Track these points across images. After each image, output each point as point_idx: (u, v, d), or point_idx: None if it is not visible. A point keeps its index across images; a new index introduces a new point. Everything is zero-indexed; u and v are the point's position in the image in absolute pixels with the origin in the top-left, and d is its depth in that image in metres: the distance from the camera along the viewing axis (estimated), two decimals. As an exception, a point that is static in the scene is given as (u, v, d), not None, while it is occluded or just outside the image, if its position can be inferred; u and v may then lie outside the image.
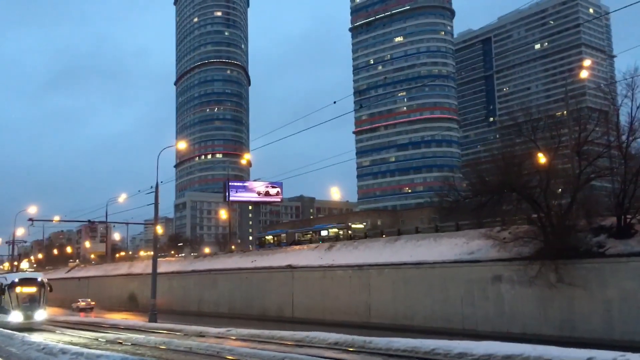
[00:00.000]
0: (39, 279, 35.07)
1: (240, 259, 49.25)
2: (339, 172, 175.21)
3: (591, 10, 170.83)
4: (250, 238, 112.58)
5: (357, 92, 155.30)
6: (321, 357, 18.51)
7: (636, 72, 25.91)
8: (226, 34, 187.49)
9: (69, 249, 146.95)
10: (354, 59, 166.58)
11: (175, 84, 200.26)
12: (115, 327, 36.28)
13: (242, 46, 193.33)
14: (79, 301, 58.71)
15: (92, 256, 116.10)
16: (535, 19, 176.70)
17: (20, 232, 76.47)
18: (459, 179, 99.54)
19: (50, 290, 35.63)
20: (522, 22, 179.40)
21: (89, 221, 55.19)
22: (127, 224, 69.88)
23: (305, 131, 38.49)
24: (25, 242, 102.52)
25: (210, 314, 44.83)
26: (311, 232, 52.96)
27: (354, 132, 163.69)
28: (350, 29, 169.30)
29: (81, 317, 47.49)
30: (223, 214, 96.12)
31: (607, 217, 25.60)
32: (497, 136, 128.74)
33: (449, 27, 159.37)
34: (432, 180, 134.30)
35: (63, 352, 18.46)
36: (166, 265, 55.30)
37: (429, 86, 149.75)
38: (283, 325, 30.71)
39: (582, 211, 25.94)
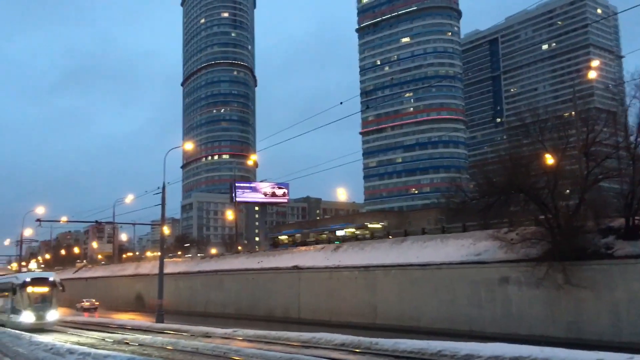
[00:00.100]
0: (51, 279, 34.64)
1: (247, 260, 49.30)
2: (346, 173, 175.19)
3: (599, 11, 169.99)
4: (257, 239, 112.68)
5: (364, 93, 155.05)
6: (327, 358, 18.49)
7: (644, 73, 25.78)
8: (233, 35, 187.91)
9: (76, 250, 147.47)
10: (360, 60, 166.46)
11: (182, 85, 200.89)
12: (122, 327, 36.39)
13: (249, 47, 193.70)
14: (83, 301, 58.97)
15: (100, 256, 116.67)
16: (542, 20, 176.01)
17: (28, 232, 77.15)
18: (465, 180, 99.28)
19: (63, 290, 35.20)
20: (529, 22, 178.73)
21: (96, 222, 55.42)
22: (134, 224, 70.18)
23: (312, 132, 38.47)
24: (37, 241, 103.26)
25: (216, 315, 44.90)
26: (327, 232, 52.44)
27: (360, 133, 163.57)
28: (357, 30, 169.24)
29: (85, 317, 47.67)
30: (229, 214, 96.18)
31: (615, 219, 25.47)
32: (505, 137, 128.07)
33: (455, 28, 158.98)
34: (439, 181, 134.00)
35: (70, 352, 18.54)
36: (173, 265, 55.45)
37: (435, 87, 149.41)
38: (289, 326, 30.73)
39: (590, 212, 25.82)
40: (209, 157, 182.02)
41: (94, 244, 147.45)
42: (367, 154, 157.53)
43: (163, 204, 40.66)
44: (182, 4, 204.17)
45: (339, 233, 49.75)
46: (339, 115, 36.46)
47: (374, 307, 34.07)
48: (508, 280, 27.35)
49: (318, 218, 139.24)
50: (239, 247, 77.27)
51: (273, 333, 25.82)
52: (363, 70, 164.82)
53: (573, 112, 32.32)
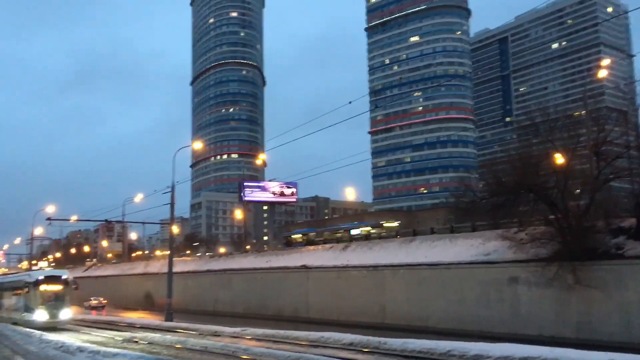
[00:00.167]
0: (64, 277, 34.42)
1: (255, 259, 49.39)
2: (354, 173, 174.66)
3: (610, 9, 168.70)
4: (265, 238, 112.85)
5: (373, 92, 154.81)
6: (336, 357, 18.50)
7: (656, 72, 25.57)
8: (242, 34, 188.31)
9: (86, 248, 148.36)
10: (369, 59, 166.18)
11: (191, 84, 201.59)
12: (131, 325, 36.56)
13: (258, 47, 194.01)
14: (91, 299, 59.30)
15: (109, 255, 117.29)
16: (552, 18, 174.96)
17: (38, 231, 77.67)
18: (475, 179, 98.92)
19: (76, 288, 35.09)
20: (539, 21, 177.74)
21: (106, 221, 55.67)
22: (143, 223, 70.34)
23: (321, 132, 38.34)
24: (50, 238, 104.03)
25: (225, 314, 45.02)
26: (342, 230, 52.10)
27: (369, 133, 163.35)
28: (366, 29, 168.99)
29: (93, 315, 47.91)
30: (238, 214, 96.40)
31: (626, 219, 25.30)
32: (514, 136, 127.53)
33: (465, 27, 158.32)
34: (448, 180, 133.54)
35: (80, 350, 18.68)
36: (182, 264, 55.66)
37: (444, 86, 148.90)
38: (298, 325, 30.76)
39: (601, 212, 25.66)
40: (218, 157, 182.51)
41: (104, 243, 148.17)
42: (375, 153, 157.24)
43: (172, 203, 40.82)
44: (191, 4, 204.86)
45: (355, 232, 49.39)
46: (348, 115, 36.39)
47: (383, 306, 34.03)
48: (517, 280, 27.22)
49: (326, 217, 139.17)
50: (248, 247, 77.40)
51: (281, 332, 25.87)
52: (372, 70, 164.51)
53: (583, 112, 32.12)
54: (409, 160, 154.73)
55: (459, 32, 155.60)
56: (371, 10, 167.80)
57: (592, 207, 25.49)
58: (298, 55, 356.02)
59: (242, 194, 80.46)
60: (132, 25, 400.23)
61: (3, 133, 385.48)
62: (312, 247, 46.08)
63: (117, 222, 67.76)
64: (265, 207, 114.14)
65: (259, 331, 27.34)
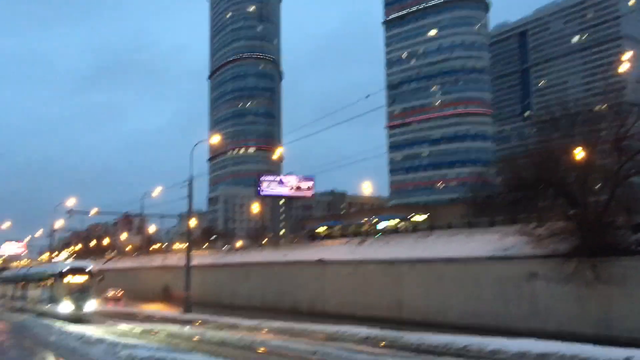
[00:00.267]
0: (89, 268, 34.46)
1: (272, 253, 49.63)
2: (371, 167, 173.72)
3: (631, 2, 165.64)
4: (282, 232, 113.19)
5: (390, 86, 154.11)
6: (352, 351, 18.55)
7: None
8: (259, 29, 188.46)
9: (106, 241, 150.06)
10: (387, 53, 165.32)
11: (209, 79, 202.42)
12: (150, 317, 36.98)
13: (275, 41, 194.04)
14: (108, 291, 59.99)
15: (128, 248, 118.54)
16: (573, 11, 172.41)
17: (59, 223, 78.79)
18: (492, 174, 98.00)
19: (102, 280, 35.15)
20: (559, 14, 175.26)
21: (125, 214, 56.19)
22: (161, 217, 71.23)
23: (337, 126, 38.28)
24: (74, 230, 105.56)
25: (242, 307, 45.30)
26: (368, 224, 51.48)
27: (386, 127, 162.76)
28: (384, 23, 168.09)
29: (110, 307, 48.44)
30: (255, 208, 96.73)
31: (647, 214, 24.95)
32: (533, 131, 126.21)
33: (484, 20, 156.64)
34: (466, 175, 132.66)
35: (100, 341, 18.99)
36: (200, 258, 56.07)
37: (463, 80, 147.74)
38: (314, 319, 30.86)
39: (621, 208, 25.33)
40: (235, 151, 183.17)
41: (123, 236, 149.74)
42: (393, 147, 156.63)
43: (190, 197, 41.16)
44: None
45: (381, 225, 48.95)
46: (365, 109, 36.22)
47: (399, 301, 33.99)
48: (536, 276, 27.00)
49: (343, 212, 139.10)
50: (265, 240, 77.71)
51: (298, 326, 26.01)
52: (389, 64, 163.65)
53: (604, 106, 31.68)
54: (426, 154, 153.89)
55: (478, 26, 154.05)
56: (389, 4, 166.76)
57: (613, 203, 25.16)
58: (315, 49, 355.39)
59: (259, 188, 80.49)
60: (152, 21, 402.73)
61: (27, 128, 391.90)
62: (328, 242, 46.22)
63: (136, 215, 68.51)
64: (282, 201, 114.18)
65: (276, 324, 27.51)
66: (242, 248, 69.31)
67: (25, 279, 40.72)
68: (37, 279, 37.54)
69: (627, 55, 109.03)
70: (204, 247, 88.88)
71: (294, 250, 47.37)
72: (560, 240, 25.52)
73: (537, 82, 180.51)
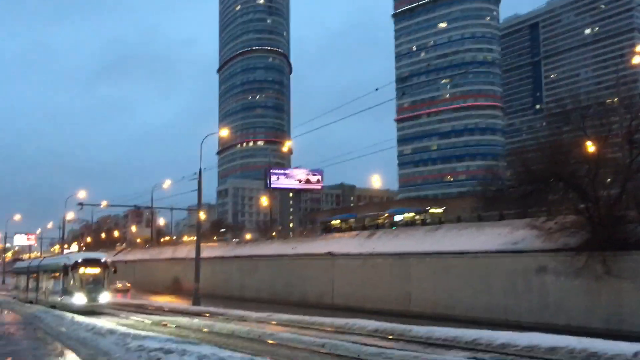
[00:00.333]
0: (103, 260, 34.11)
1: (281, 246, 49.68)
2: (380, 160, 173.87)
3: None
4: (291, 225, 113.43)
5: (400, 79, 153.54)
6: (361, 343, 18.57)
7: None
8: (268, 21, 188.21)
9: (116, 233, 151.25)
10: (396, 46, 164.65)
11: (218, 72, 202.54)
12: (160, 309, 37.18)
13: (284, 34, 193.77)
14: (115, 282, 60.30)
15: (138, 240, 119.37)
16: (585, 3, 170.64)
17: (70, 216, 79.43)
18: (502, 167, 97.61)
19: (115, 271, 34.63)
20: (571, 6, 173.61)
21: (135, 206, 56.43)
22: (171, 209, 71.59)
23: (347, 119, 38.30)
24: (84, 221, 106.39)
25: (251, 299, 45.49)
26: (387, 216, 51.01)
27: (395, 120, 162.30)
28: (393, 15, 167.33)
29: (118, 299, 48.67)
30: (264, 200, 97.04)
31: (659, 209, 24.71)
32: (544, 124, 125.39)
33: (494, 12, 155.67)
34: (475, 168, 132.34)
35: (111, 332, 19.14)
36: (209, 250, 56.31)
37: (473, 73, 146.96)
38: (323, 311, 30.93)
39: (632, 202, 25.13)
40: (244, 144, 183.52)
41: (133, 228, 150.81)
42: (402, 141, 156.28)
43: (199, 190, 41.26)
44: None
45: (397, 218, 48.56)
46: (374, 102, 36.17)
47: (408, 294, 33.97)
48: (545, 269, 26.87)
49: (352, 205, 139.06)
50: (274, 233, 77.90)
51: (307, 318, 26.06)
52: (399, 57, 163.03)
53: (616, 99, 31.36)
54: (435, 148, 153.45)
55: (488, 18, 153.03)
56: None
57: (624, 197, 24.97)
58: (324, 42, 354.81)
59: (268, 181, 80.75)
60: (161, 14, 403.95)
61: (38, 122, 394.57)
62: (337, 234, 46.13)
63: (146, 207, 68.85)
64: (291, 194, 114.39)
65: (285, 317, 27.59)
66: (251, 240, 69.50)
67: (38, 271, 40.74)
68: (50, 270, 37.16)
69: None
70: (213, 239, 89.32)
71: (303, 243, 47.39)
72: (571, 234, 25.37)
73: (548, 75, 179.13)
